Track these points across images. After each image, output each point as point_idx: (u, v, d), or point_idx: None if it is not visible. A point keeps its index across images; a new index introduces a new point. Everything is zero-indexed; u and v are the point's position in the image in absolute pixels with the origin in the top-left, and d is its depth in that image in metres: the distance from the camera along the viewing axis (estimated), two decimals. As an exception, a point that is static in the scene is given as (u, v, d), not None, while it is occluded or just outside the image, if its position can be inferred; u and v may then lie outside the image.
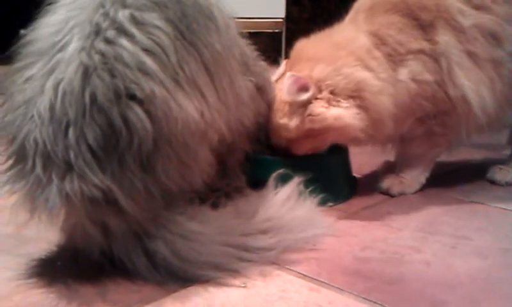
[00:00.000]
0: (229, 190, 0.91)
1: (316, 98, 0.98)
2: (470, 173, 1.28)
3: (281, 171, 0.92)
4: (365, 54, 1.00)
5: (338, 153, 1.08)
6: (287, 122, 0.99)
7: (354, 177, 1.16)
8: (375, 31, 1.02)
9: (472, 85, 1.00)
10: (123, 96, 0.66)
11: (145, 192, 0.68)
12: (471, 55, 1.01)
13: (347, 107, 0.97)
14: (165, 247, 0.70)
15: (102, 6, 0.70)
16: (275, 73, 1.07)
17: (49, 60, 0.68)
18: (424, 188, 1.14)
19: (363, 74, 0.98)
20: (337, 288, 0.70)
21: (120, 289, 0.69)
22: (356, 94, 0.98)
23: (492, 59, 1.02)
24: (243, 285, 0.71)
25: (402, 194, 1.11)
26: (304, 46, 1.06)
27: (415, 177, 1.13)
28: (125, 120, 0.65)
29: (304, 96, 0.96)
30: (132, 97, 0.66)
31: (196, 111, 0.71)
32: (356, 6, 1.10)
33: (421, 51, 1.01)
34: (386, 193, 1.11)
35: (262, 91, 0.97)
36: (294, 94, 0.96)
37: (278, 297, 0.68)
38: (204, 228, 0.75)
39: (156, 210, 0.71)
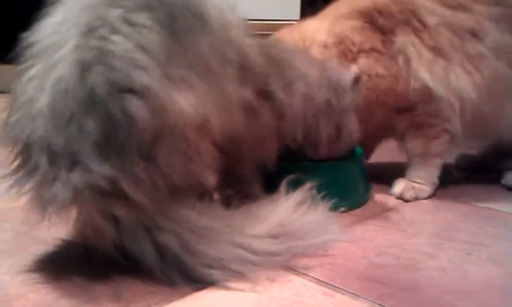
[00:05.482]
0: (241, 196, 0.90)
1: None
2: (485, 179, 1.27)
3: (293, 176, 0.91)
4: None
5: (353, 158, 1.08)
6: None
7: (368, 182, 1.15)
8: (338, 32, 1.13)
9: (435, 74, 1.06)
10: (120, 89, 0.67)
11: (149, 181, 0.68)
12: (434, 49, 1.07)
13: None
14: (175, 240, 0.71)
15: (94, 7, 0.72)
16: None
17: (48, 60, 0.70)
18: (438, 193, 1.13)
19: None
20: (352, 293, 0.70)
21: (135, 290, 0.69)
22: None
23: (467, 53, 1.07)
24: (252, 289, 0.70)
25: (416, 199, 1.10)
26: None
27: (424, 178, 1.13)
28: (123, 112, 0.66)
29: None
30: (129, 90, 0.67)
31: (190, 106, 0.71)
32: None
33: (373, 49, 1.09)
34: (400, 198, 1.10)
35: (270, 98, 0.92)
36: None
37: (292, 301, 0.68)
38: (214, 224, 0.75)
39: (163, 201, 0.71)
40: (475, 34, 1.08)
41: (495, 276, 0.76)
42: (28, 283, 0.71)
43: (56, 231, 0.80)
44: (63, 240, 0.81)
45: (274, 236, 0.78)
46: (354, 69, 1.03)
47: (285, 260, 0.77)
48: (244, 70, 0.85)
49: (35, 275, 0.73)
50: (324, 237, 0.84)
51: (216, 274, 0.71)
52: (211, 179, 0.84)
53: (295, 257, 0.78)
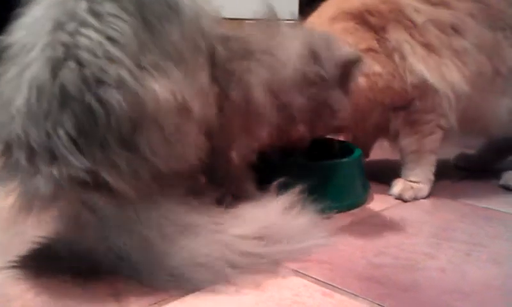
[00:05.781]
0: (234, 196, 0.89)
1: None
2: (484, 179, 1.27)
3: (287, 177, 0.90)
4: None
5: (352, 157, 1.08)
6: None
7: (367, 182, 1.15)
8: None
9: (431, 69, 1.08)
10: (91, 82, 0.67)
11: (130, 169, 0.69)
12: (426, 46, 1.09)
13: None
14: (159, 234, 0.71)
15: (63, 2, 0.72)
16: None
17: (23, 60, 0.70)
18: (436, 193, 1.13)
19: None
20: (351, 293, 0.70)
21: (132, 289, 0.69)
22: None
23: (454, 49, 1.10)
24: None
25: (415, 199, 1.10)
26: None
27: (420, 176, 1.13)
28: (97, 104, 0.67)
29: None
30: (101, 82, 0.68)
31: (167, 91, 0.71)
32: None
33: (369, 49, 1.09)
34: (399, 198, 1.10)
35: (227, 98, 0.89)
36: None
37: (292, 301, 0.67)
38: (200, 221, 0.75)
39: (146, 190, 0.71)
40: (457, 30, 1.10)
41: (494, 276, 0.76)
42: (23, 284, 0.70)
43: (49, 231, 0.79)
44: (57, 240, 0.80)
45: (260, 238, 0.78)
46: (354, 51, 1.01)
47: (269, 263, 0.76)
48: (212, 66, 0.84)
49: (30, 276, 0.72)
50: (311, 242, 0.82)
51: (199, 271, 0.70)
52: (199, 162, 0.81)
53: (281, 261, 0.77)
